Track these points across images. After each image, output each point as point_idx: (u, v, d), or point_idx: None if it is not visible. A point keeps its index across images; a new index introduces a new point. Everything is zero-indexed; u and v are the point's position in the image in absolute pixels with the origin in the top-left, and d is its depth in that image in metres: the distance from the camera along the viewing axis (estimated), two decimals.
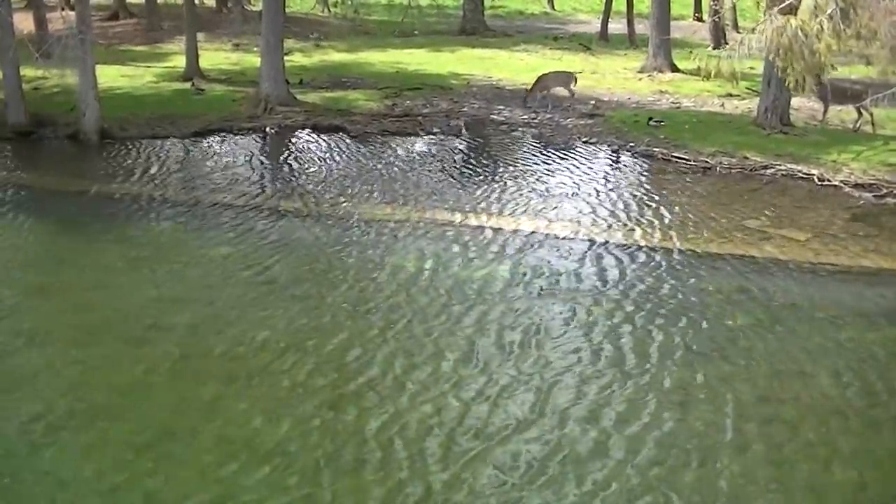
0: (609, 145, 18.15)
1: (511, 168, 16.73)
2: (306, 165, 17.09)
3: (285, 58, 21.96)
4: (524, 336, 9.83)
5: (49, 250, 12.84)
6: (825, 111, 18.74)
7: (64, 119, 18.66)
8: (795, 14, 15.70)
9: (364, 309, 10.53)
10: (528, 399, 8.58)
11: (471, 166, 16.93)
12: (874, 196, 14.69)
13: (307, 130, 19.38)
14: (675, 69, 24.44)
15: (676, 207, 14.28)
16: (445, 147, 18.44)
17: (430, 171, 16.56)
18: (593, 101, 21.48)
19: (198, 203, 14.51)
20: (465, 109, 20.90)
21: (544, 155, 17.61)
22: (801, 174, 15.68)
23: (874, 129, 18.02)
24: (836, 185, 15.05)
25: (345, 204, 14.45)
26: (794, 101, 18.92)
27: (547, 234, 13.03)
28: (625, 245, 12.65)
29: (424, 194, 14.99)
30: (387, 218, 13.73)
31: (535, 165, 16.87)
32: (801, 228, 13.25)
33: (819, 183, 15.25)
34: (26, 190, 15.62)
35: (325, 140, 18.66)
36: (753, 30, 16.17)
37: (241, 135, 19.00)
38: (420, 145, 18.58)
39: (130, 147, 17.77)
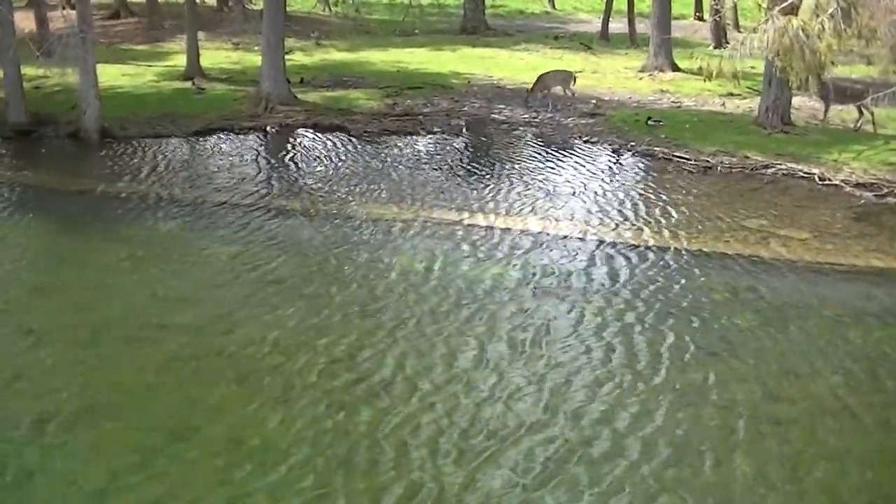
0: (610, 144, 18.16)
1: (514, 167, 16.74)
2: (309, 164, 17.08)
3: (286, 57, 21.94)
4: (535, 336, 9.84)
5: (50, 249, 12.82)
6: (826, 110, 18.78)
7: (65, 118, 18.60)
8: (796, 14, 15.76)
9: (374, 309, 10.53)
10: (541, 399, 8.58)
11: (474, 165, 16.93)
12: (875, 195, 14.74)
13: (308, 130, 19.36)
14: (675, 68, 24.45)
15: (678, 207, 14.30)
16: (447, 146, 18.44)
17: (434, 170, 16.56)
18: (594, 101, 21.49)
19: (200, 202, 14.49)
20: (465, 109, 20.89)
21: (546, 154, 17.62)
22: (802, 173, 15.72)
23: (875, 128, 18.07)
24: (836, 185, 15.09)
25: (351, 203, 14.45)
26: (795, 101, 18.97)
27: (554, 235, 13.04)
28: (629, 244, 12.68)
29: (430, 194, 14.99)
30: (394, 217, 13.72)
31: (537, 165, 16.88)
32: (802, 228, 13.29)
33: (820, 182, 15.30)
34: (27, 189, 15.58)
35: (326, 139, 18.64)
36: (755, 29, 16.21)
37: (242, 134, 18.95)
38: (422, 144, 18.57)
39: (131, 146, 17.73)
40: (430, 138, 18.92)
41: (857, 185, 15.05)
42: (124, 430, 8.08)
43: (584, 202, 14.62)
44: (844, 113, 18.82)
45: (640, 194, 15.09)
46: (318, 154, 17.72)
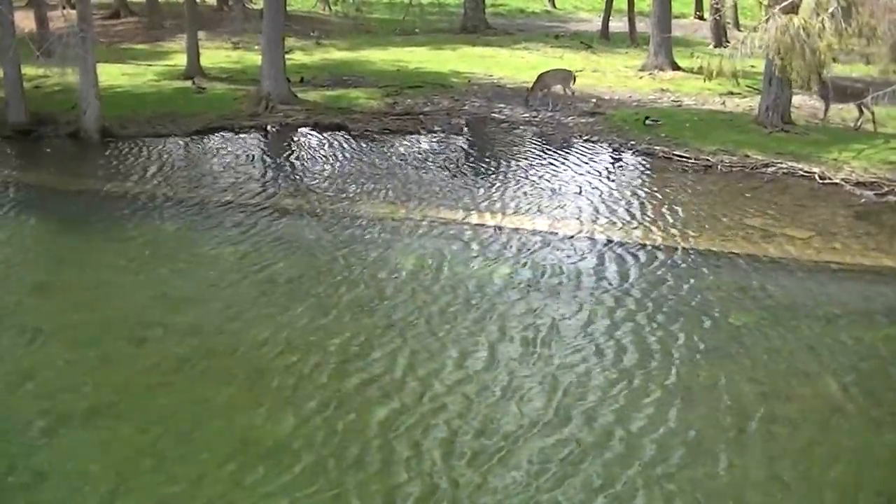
0: (610, 144, 18.16)
1: (515, 166, 16.72)
2: (310, 164, 17.05)
3: (286, 56, 21.87)
4: (546, 336, 9.84)
5: (50, 249, 12.77)
6: (826, 109, 18.81)
7: (65, 117, 18.53)
8: (797, 12, 15.79)
9: (384, 308, 10.52)
10: (553, 400, 8.58)
11: (476, 165, 16.92)
12: (875, 194, 14.76)
13: (308, 129, 19.32)
14: (676, 67, 24.46)
15: (679, 206, 14.32)
16: (449, 145, 18.42)
17: (436, 169, 16.53)
18: (594, 100, 21.49)
19: (201, 201, 14.44)
20: (466, 108, 20.87)
21: (547, 153, 17.62)
22: (802, 172, 15.73)
23: (875, 127, 18.10)
24: (837, 184, 15.11)
25: (358, 203, 14.42)
26: (795, 100, 19.00)
27: (563, 234, 13.04)
28: (630, 243, 12.70)
29: (434, 193, 14.98)
30: (399, 216, 13.71)
31: (539, 164, 16.87)
32: (803, 227, 13.30)
33: (820, 181, 15.31)
34: (27, 188, 15.54)
35: (326, 138, 18.61)
36: (755, 28, 16.24)
37: (243, 133, 18.90)
38: (422, 143, 18.55)
39: (131, 145, 17.66)
40: (431, 137, 18.89)
41: (858, 184, 15.07)
42: (134, 431, 8.06)
43: (590, 201, 14.62)
44: (844, 112, 18.82)
45: (644, 193, 15.11)
46: (320, 153, 17.68)
